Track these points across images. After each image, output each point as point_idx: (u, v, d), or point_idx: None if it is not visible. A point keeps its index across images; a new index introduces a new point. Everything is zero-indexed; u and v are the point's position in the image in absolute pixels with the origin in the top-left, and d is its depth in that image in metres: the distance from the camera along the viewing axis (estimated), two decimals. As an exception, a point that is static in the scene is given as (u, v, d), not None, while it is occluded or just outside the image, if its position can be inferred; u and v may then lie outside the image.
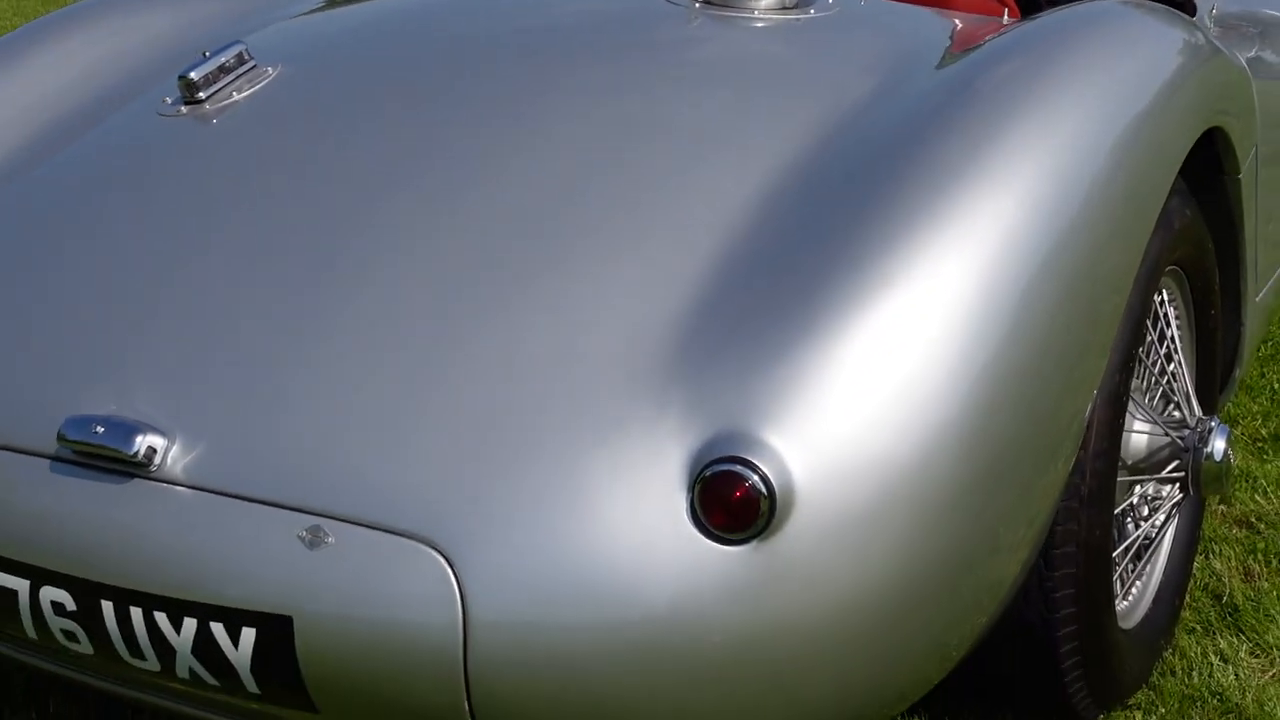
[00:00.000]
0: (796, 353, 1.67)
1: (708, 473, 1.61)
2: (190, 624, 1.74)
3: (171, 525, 1.77)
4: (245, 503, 1.75)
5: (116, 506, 1.80)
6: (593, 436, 1.68)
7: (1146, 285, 2.08)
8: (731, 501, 1.60)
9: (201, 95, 2.29)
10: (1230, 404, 3.30)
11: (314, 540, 1.71)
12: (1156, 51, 2.21)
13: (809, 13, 2.38)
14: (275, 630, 1.70)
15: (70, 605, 1.81)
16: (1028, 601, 2.03)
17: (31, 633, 1.87)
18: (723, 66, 2.26)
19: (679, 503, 1.63)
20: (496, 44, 2.40)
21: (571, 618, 1.63)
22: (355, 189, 2.06)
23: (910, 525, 1.66)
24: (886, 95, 2.09)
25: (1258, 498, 2.90)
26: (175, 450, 1.80)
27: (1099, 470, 2.01)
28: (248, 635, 1.72)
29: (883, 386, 1.67)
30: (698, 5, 2.39)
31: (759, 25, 2.35)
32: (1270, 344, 3.63)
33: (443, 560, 1.65)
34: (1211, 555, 2.71)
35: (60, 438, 1.83)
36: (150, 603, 1.76)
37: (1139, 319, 2.07)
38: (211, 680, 1.77)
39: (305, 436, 1.77)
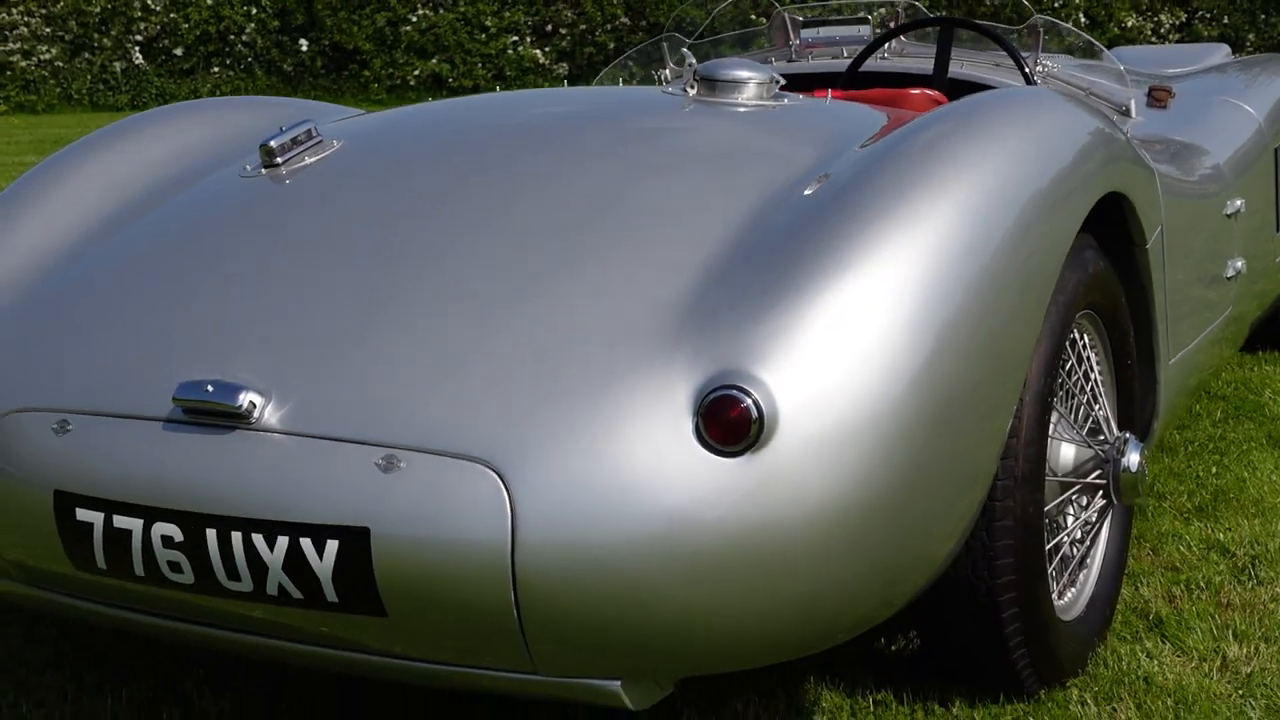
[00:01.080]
0: (778, 313, 2.11)
1: (709, 399, 2.03)
2: (283, 542, 2.12)
3: (267, 463, 2.17)
4: (330, 441, 2.15)
5: (221, 452, 2.20)
6: (616, 378, 2.11)
7: (1066, 309, 2.53)
8: (729, 419, 2.01)
9: (279, 160, 2.76)
10: (1159, 483, 3.72)
11: (388, 466, 2.10)
12: (1067, 120, 2.71)
13: (782, 102, 2.89)
14: (354, 541, 2.08)
15: (178, 537, 2.19)
16: (974, 570, 2.42)
17: (140, 568, 2.24)
18: (706, 139, 2.76)
19: (686, 424, 2.04)
20: (524, 127, 2.91)
21: (601, 522, 2.02)
22: (413, 214, 2.54)
23: (871, 448, 2.07)
24: (834, 156, 2.57)
25: (1181, 549, 3.31)
26: (271, 403, 2.21)
27: (1030, 456, 2.43)
28: (331, 547, 2.10)
29: (847, 339, 2.10)
30: (692, 94, 2.89)
31: (740, 111, 2.85)
32: (1195, 443, 4.08)
33: (496, 477, 2.05)
34: (1140, 586, 3.10)
35: (174, 400, 2.24)
36: (248, 527, 2.14)
37: (1059, 336, 2.51)
38: (295, 593, 2.14)
39: (377, 385, 2.20)
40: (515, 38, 24.19)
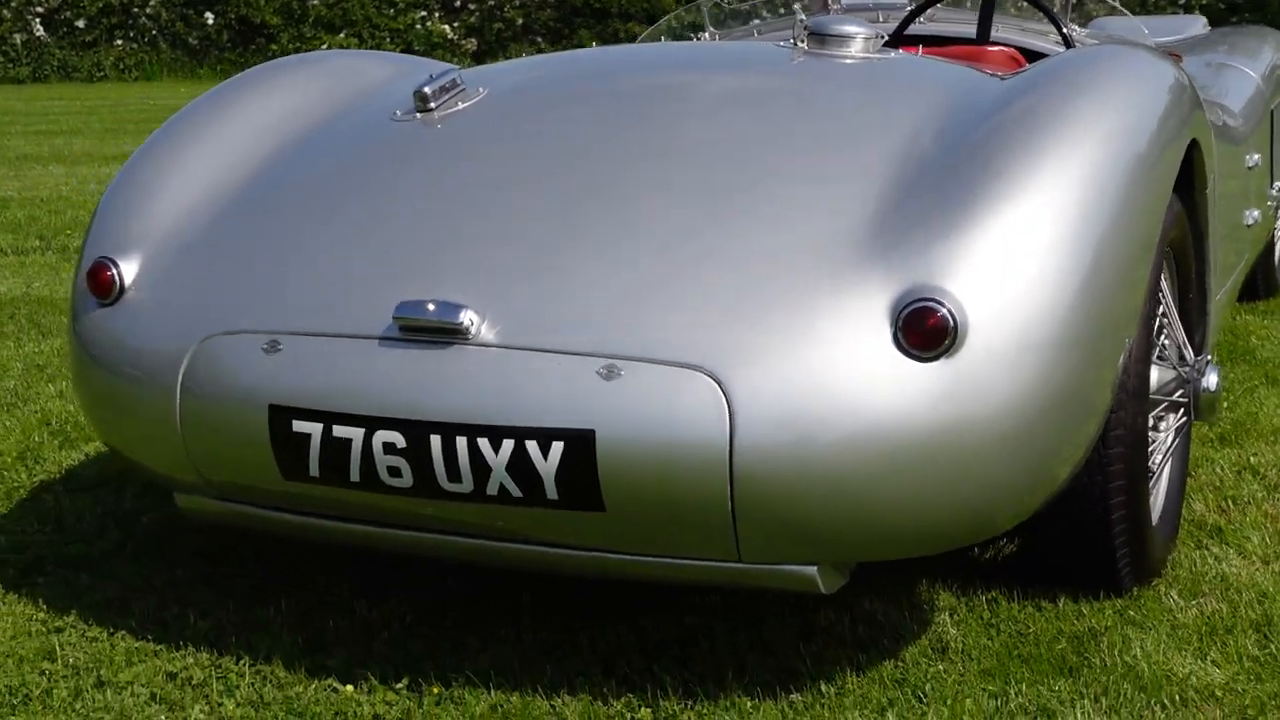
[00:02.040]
0: (962, 232, 2.37)
1: (907, 310, 2.28)
2: (508, 444, 2.33)
3: (489, 375, 2.38)
4: (551, 354, 2.36)
5: (442, 365, 2.40)
6: (817, 292, 2.35)
7: (1162, 241, 2.81)
8: (927, 328, 2.26)
9: (432, 105, 2.95)
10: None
11: (609, 374, 2.32)
12: (1165, 72, 2.99)
13: (887, 55, 3.14)
14: (580, 442, 2.30)
15: (401, 443, 2.38)
16: (1089, 477, 2.69)
17: (356, 474, 2.43)
18: (834, 87, 3.00)
19: (885, 333, 2.29)
20: (662, 75, 3.15)
21: (811, 421, 2.26)
22: (583, 152, 2.76)
23: (1045, 354, 2.33)
24: (956, 100, 2.82)
25: (1219, 471, 3.64)
26: (487, 320, 2.41)
27: (1139, 373, 2.70)
28: (556, 448, 2.31)
29: (1022, 256, 2.36)
30: (802, 48, 3.13)
31: (851, 63, 3.09)
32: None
33: (714, 382, 2.28)
34: (1192, 502, 3.41)
35: (395, 318, 2.43)
36: (474, 432, 2.35)
37: (1158, 265, 2.79)
38: (516, 492, 2.35)
39: (591, 302, 2.42)
40: (424, 13, 24.21)
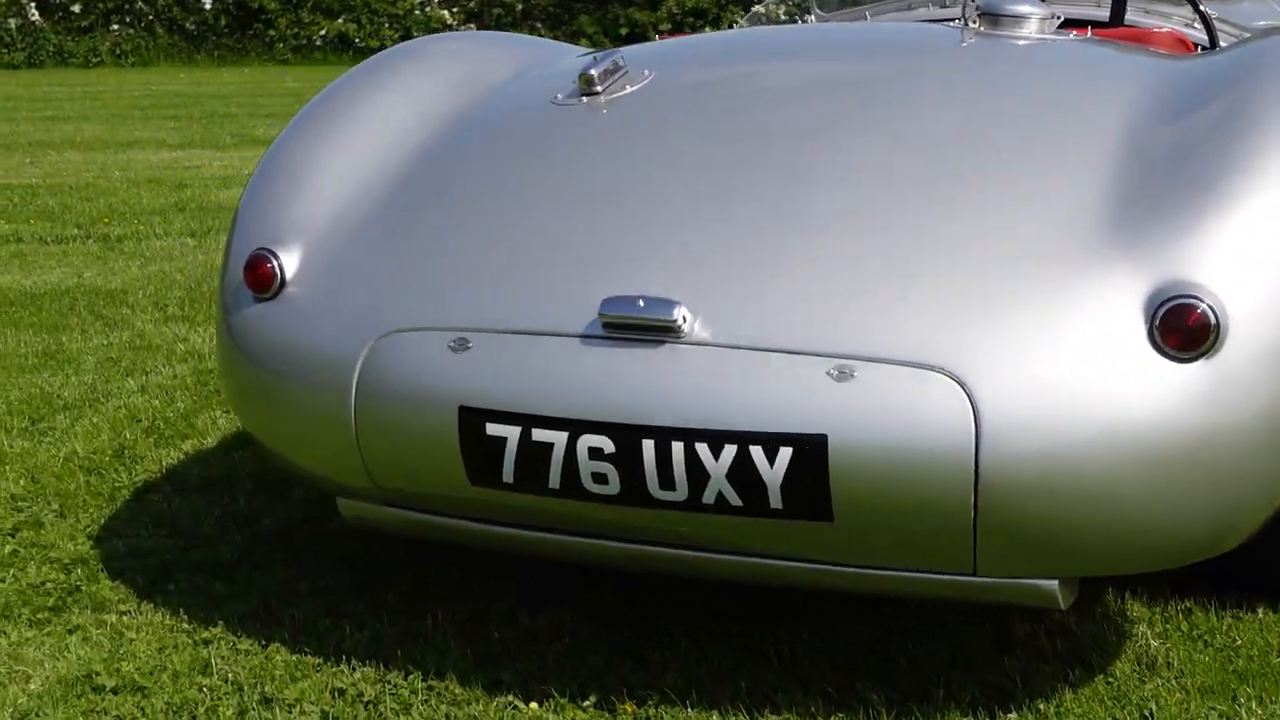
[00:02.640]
0: (1212, 225, 2.22)
1: (1164, 308, 2.13)
2: (730, 450, 2.18)
3: (709, 376, 2.23)
4: (775, 353, 2.22)
5: (655, 366, 2.25)
6: (1060, 289, 2.20)
7: None
8: (1188, 327, 2.12)
9: (598, 89, 2.80)
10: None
11: (841, 375, 2.17)
12: None
13: (1066, 36, 3.00)
14: (811, 448, 2.15)
15: (609, 449, 2.23)
16: None
17: (555, 481, 2.28)
18: (1022, 72, 2.85)
19: (1139, 332, 2.14)
20: (840, 58, 2.99)
21: (1063, 427, 2.11)
22: (778, 139, 2.60)
23: None
24: (1164, 90, 2.67)
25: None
26: (702, 317, 2.26)
27: None
28: (784, 454, 2.16)
29: (1274, 248, 2.21)
30: (973, 28, 2.98)
31: (1027, 45, 2.95)
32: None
33: (957, 384, 2.13)
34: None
35: (601, 315, 2.28)
36: (692, 436, 2.20)
37: None
38: (735, 500, 2.20)
39: (816, 298, 2.26)
40: (423, -2, 24.00)
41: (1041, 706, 2.44)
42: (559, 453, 2.28)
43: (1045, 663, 2.59)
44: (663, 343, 2.27)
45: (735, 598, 2.79)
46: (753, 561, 2.32)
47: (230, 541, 3.22)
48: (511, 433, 2.30)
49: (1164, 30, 3.72)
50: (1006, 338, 2.17)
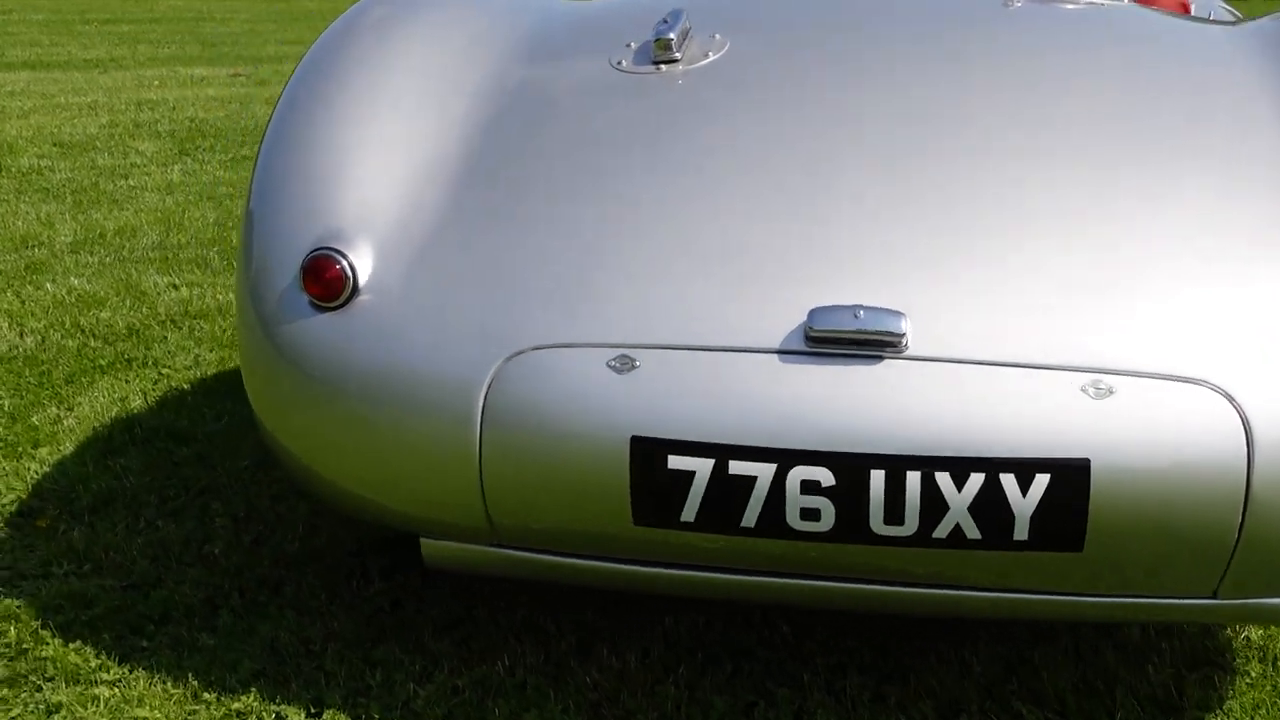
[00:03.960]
0: None
1: None
2: (975, 479, 1.93)
3: (945, 396, 1.96)
4: (1018, 369, 1.97)
5: (881, 386, 1.97)
6: None
7: None
8: None
9: (677, 56, 2.46)
10: None
11: (1099, 392, 1.95)
12: None
13: (1122, 2, 2.85)
14: (1071, 474, 1.93)
15: (827, 481, 1.95)
16: None
17: (752, 519, 1.98)
18: (1126, 35, 2.68)
19: None
20: (917, 24, 2.73)
21: None
22: (919, 120, 2.34)
23: None
24: (1266, 63, 2.56)
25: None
26: (928, 329, 1.99)
27: None
28: (1040, 482, 1.93)
29: None
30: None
31: (1086, 9, 2.78)
32: None
33: (1224, 398, 1.95)
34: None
35: (810, 330, 1.98)
36: (932, 465, 1.93)
37: None
38: (973, 534, 1.95)
39: (1060, 305, 2.02)
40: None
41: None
42: (762, 488, 1.97)
43: (1256, 688, 2.45)
44: (882, 358, 1.99)
45: (838, 621, 2.54)
46: (970, 595, 2.08)
47: (184, 578, 2.72)
48: (702, 466, 1.97)
49: None
50: (1272, 345, 2.00)
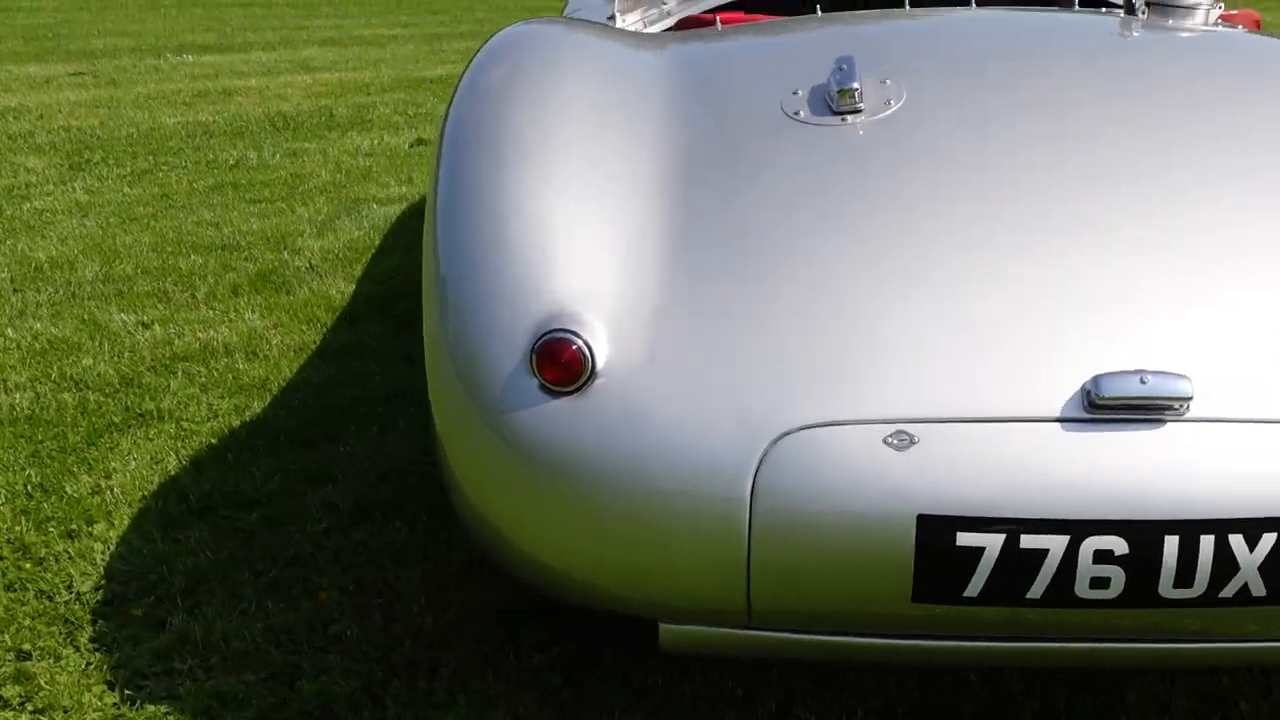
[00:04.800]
0: None
1: None
2: (1268, 540, 1.92)
3: (1236, 457, 1.94)
4: None
5: (1171, 450, 1.94)
6: None
7: None
8: None
9: (861, 106, 2.40)
10: None
11: (1385, 445, 1.96)
12: None
13: (1218, 28, 2.88)
14: None
15: (1120, 549, 1.92)
16: None
17: (1039, 590, 1.95)
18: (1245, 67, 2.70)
19: None
20: (1075, 61, 2.71)
21: None
22: (1139, 161, 2.32)
23: None
24: None
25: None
26: (1211, 389, 1.97)
27: None
28: None
29: None
30: (1142, 18, 2.79)
31: (1203, 36, 2.79)
32: None
33: None
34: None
35: (1095, 397, 1.95)
36: (1225, 528, 1.92)
37: None
38: (1259, 591, 1.95)
39: None
40: None
41: None
42: (1054, 559, 1.93)
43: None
44: (1165, 422, 1.96)
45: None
46: (1245, 647, 2.07)
47: (326, 666, 2.58)
48: (992, 541, 1.93)
49: (1244, 12, 3.67)
50: None
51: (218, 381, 4.03)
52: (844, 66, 2.46)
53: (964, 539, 1.92)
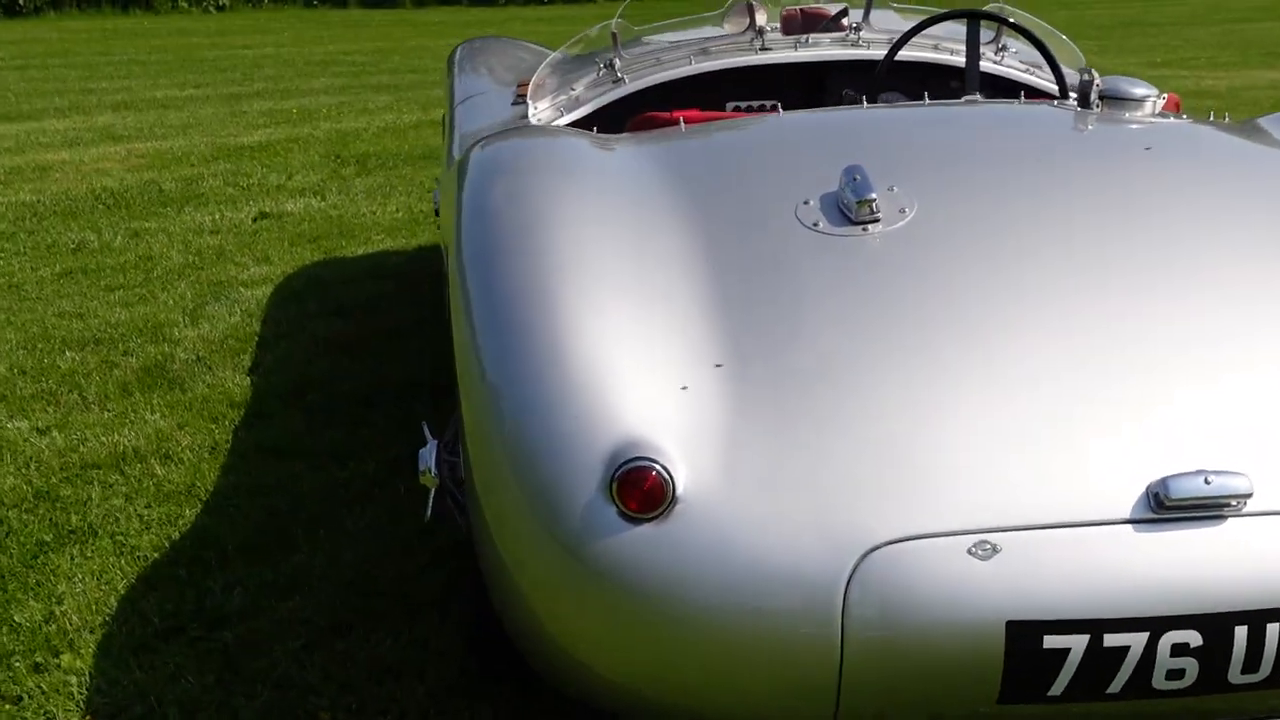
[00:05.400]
0: None
1: None
2: None
3: None
4: None
5: (1236, 544, 2.07)
6: None
7: None
8: None
9: (879, 216, 2.49)
10: None
11: None
12: None
13: (1172, 119, 3.05)
14: None
15: (1195, 642, 2.04)
16: None
17: (1118, 685, 2.06)
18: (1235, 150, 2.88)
19: None
20: (1067, 160, 2.83)
21: None
22: (1158, 259, 2.46)
23: None
24: None
25: None
26: (1267, 483, 2.11)
27: None
28: None
29: None
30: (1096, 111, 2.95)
31: (1145, 125, 2.97)
32: None
33: None
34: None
35: (1164, 499, 2.06)
36: None
37: None
38: None
39: None
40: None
41: None
42: (1134, 656, 2.04)
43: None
44: (1225, 518, 2.09)
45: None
46: None
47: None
48: (1077, 643, 2.03)
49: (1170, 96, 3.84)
50: None
51: (139, 490, 3.92)
52: (857, 176, 2.54)
53: (1051, 642, 2.01)
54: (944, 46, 4.11)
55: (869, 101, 3.68)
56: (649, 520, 2.09)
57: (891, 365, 2.26)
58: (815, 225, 2.51)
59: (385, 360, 4.96)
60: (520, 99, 4.34)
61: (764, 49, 4.16)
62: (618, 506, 2.09)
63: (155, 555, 3.52)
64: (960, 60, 3.98)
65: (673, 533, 2.08)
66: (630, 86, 4.07)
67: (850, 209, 2.51)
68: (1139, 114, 2.98)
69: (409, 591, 3.26)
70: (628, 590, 2.08)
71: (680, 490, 2.10)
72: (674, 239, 2.51)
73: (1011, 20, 3.92)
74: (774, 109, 4.19)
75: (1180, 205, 2.63)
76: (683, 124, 3.19)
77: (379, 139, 10.23)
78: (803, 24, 4.29)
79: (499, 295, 2.39)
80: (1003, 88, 3.93)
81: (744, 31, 4.23)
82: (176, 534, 3.64)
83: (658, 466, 2.09)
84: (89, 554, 3.53)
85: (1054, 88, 3.98)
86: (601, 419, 2.15)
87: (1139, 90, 2.99)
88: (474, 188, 2.71)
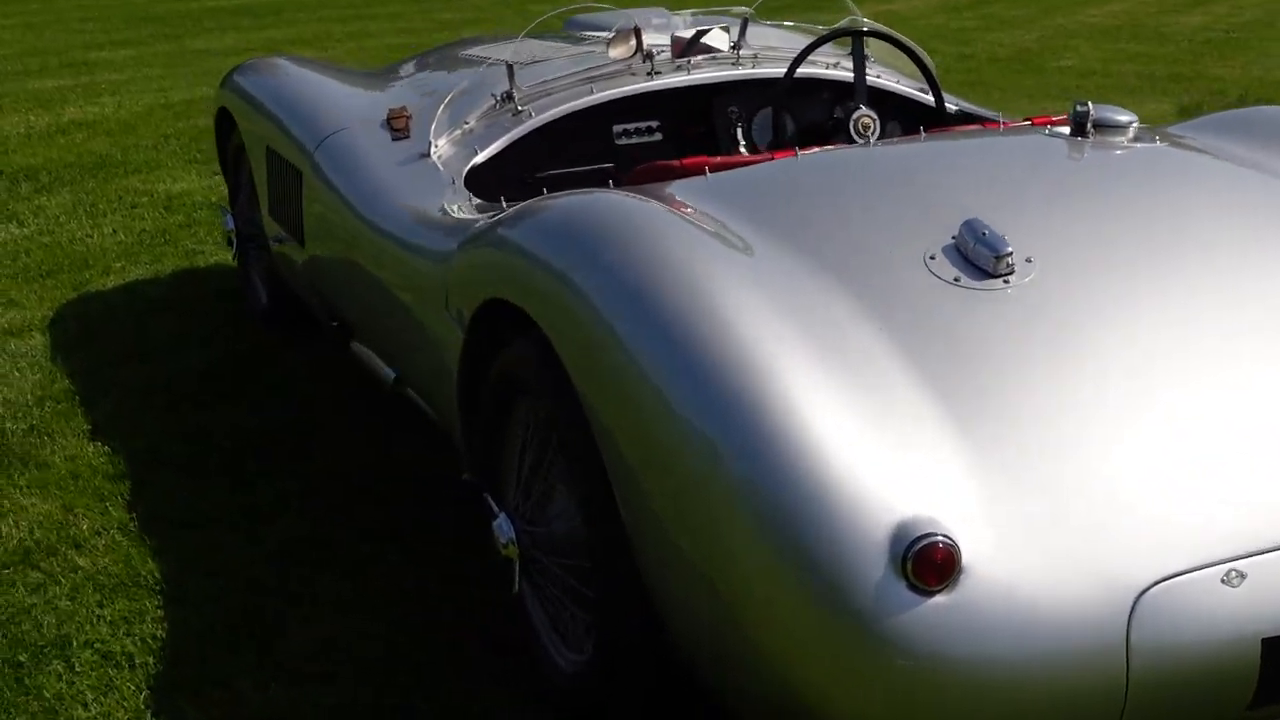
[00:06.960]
0: None
1: None
2: None
3: None
4: None
5: None
6: None
7: None
8: None
9: (1013, 270, 2.65)
10: None
11: None
12: None
13: (1155, 144, 3.34)
14: None
15: None
16: None
17: None
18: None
19: None
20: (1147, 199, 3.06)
21: None
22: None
23: None
24: None
25: None
26: None
27: None
28: None
29: None
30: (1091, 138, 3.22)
31: (1133, 150, 3.25)
32: None
33: None
34: None
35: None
36: None
37: None
38: None
39: None
40: None
41: None
42: None
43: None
44: None
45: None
46: None
47: None
48: None
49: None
50: None
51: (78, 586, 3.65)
52: (985, 232, 2.68)
53: (1294, 654, 2.27)
54: (819, 62, 4.29)
55: (749, 119, 3.83)
56: (936, 592, 2.19)
57: (1098, 410, 2.45)
58: (956, 280, 2.64)
59: (223, 404, 4.81)
60: (399, 134, 4.23)
61: (654, 73, 4.22)
62: (910, 582, 2.18)
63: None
64: (832, 74, 4.20)
65: (967, 601, 2.20)
66: (536, 120, 4.05)
67: (986, 263, 2.65)
68: (1126, 139, 3.25)
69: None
70: (927, 663, 2.18)
71: (965, 559, 2.21)
72: (836, 306, 2.58)
73: (901, 39, 4.14)
74: (658, 129, 4.29)
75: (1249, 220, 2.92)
76: (707, 172, 3.19)
77: (29, 148, 9.43)
78: (687, 47, 4.38)
79: (698, 385, 2.39)
80: (876, 99, 4.15)
81: (632, 56, 4.26)
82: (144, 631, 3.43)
83: (947, 539, 2.19)
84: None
85: (928, 99, 4.25)
86: (876, 496, 2.24)
87: (1123, 118, 3.26)
88: (592, 266, 2.65)
